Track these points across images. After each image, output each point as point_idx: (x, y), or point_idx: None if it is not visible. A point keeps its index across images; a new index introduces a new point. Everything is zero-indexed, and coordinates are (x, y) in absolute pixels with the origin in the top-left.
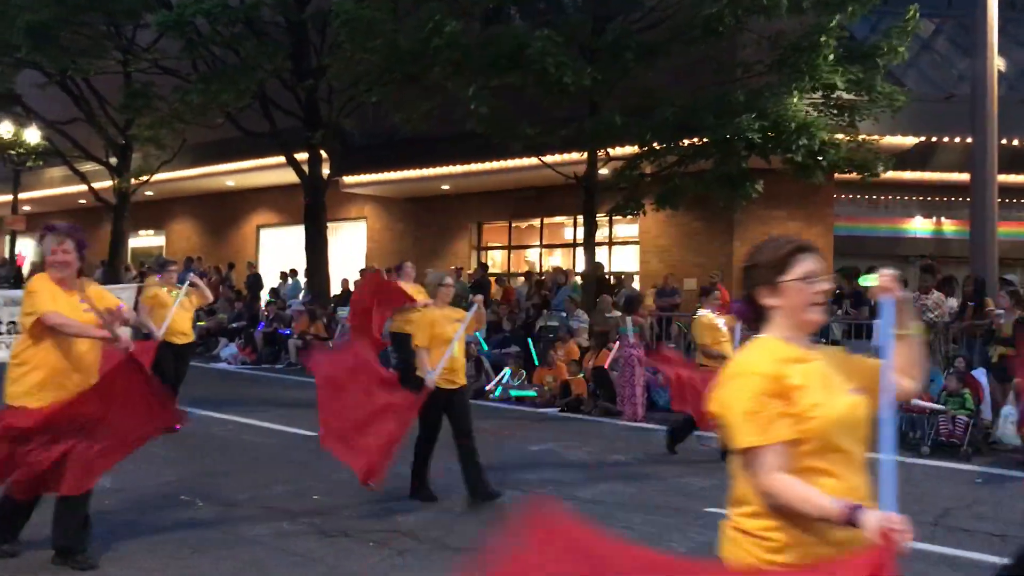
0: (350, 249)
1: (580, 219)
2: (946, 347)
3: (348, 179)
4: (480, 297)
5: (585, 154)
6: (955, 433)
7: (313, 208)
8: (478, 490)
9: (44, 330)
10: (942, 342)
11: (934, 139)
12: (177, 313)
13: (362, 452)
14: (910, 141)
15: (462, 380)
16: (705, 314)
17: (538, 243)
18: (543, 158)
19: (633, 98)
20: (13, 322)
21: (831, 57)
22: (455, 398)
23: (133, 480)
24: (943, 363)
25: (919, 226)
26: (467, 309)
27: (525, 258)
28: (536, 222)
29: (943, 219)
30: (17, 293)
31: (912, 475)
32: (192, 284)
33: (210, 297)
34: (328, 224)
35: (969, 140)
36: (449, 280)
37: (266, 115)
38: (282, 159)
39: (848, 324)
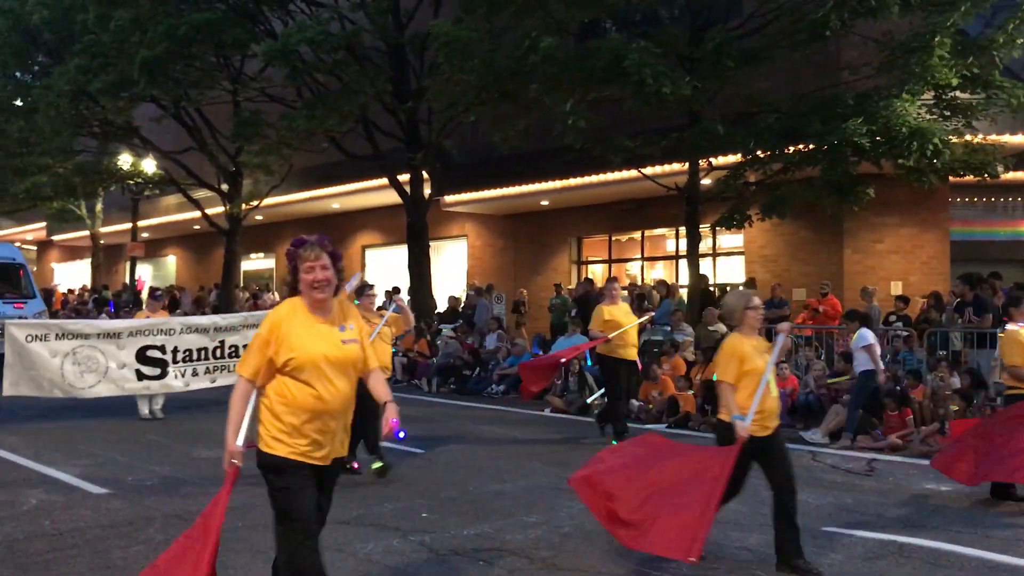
0: (452, 266)
1: (682, 231)
2: None
3: (449, 198)
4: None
5: (686, 164)
6: None
7: (415, 227)
8: (791, 559)
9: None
10: None
11: None
12: (376, 344)
13: (670, 531)
14: None
15: (775, 422)
16: (1018, 329)
17: (639, 256)
18: (643, 170)
19: (735, 106)
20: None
21: (946, 56)
22: (770, 445)
23: (247, 498)
24: None
25: None
26: (567, 324)
27: (626, 271)
28: (637, 235)
29: None
30: (258, 315)
31: None
32: (399, 309)
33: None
34: (430, 243)
35: None
36: (757, 301)
37: (368, 138)
38: (385, 181)
39: (970, 332)
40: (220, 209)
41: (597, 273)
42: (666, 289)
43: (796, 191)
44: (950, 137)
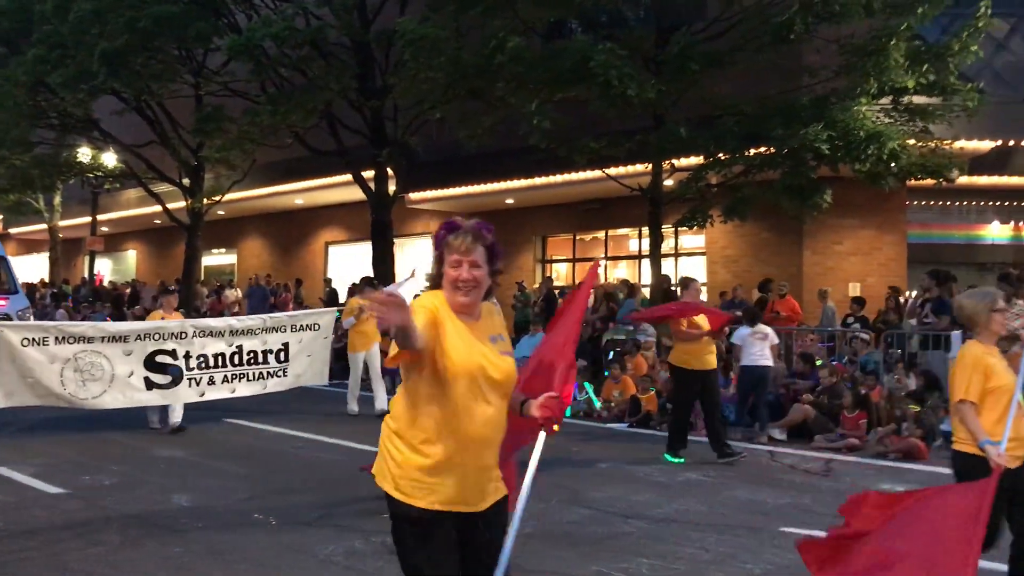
0: (417, 264)
1: (645, 231)
2: None
3: (414, 195)
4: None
5: (650, 166)
6: None
7: (380, 224)
8: None
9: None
10: None
11: (1011, 143)
12: None
13: None
14: (987, 145)
15: None
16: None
17: (603, 255)
18: (607, 171)
19: (698, 108)
20: (280, 349)
21: (901, 60)
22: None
23: (207, 498)
24: None
25: (996, 232)
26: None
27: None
28: (601, 234)
29: (1022, 225)
30: (278, 317)
31: None
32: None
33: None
34: (395, 240)
35: None
36: (1002, 302)
37: (333, 134)
38: (349, 177)
39: (926, 334)
40: (181, 204)
41: (561, 272)
42: (628, 288)
43: (756, 193)
44: (907, 140)
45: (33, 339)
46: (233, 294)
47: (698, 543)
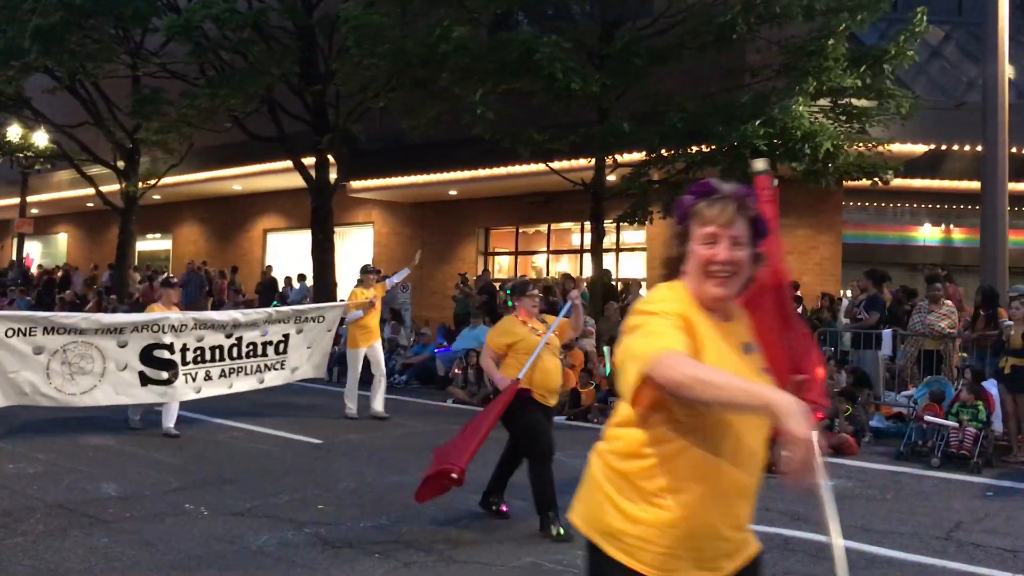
0: (357, 253)
1: (588, 225)
2: (956, 358)
3: (355, 184)
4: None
5: (593, 160)
6: (965, 445)
7: (320, 212)
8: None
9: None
10: (952, 353)
11: (944, 147)
12: (547, 362)
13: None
14: (920, 149)
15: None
16: None
17: (545, 249)
18: (551, 164)
19: (642, 104)
20: (280, 340)
21: (839, 61)
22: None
23: (138, 487)
24: (954, 374)
25: (928, 234)
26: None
27: (532, 264)
28: (543, 228)
29: (953, 227)
30: (284, 311)
31: (922, 487)
32: (572, 310)
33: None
34: (335, 228)
35: (979, 148)
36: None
37: (274, 120)
38: (289, 164)
39: (856, 332)
40: (116, 187)
41: (504, 264)
42: (572, 283)
43: None
44: (844, 142)
45: (19, 330)
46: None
47: None
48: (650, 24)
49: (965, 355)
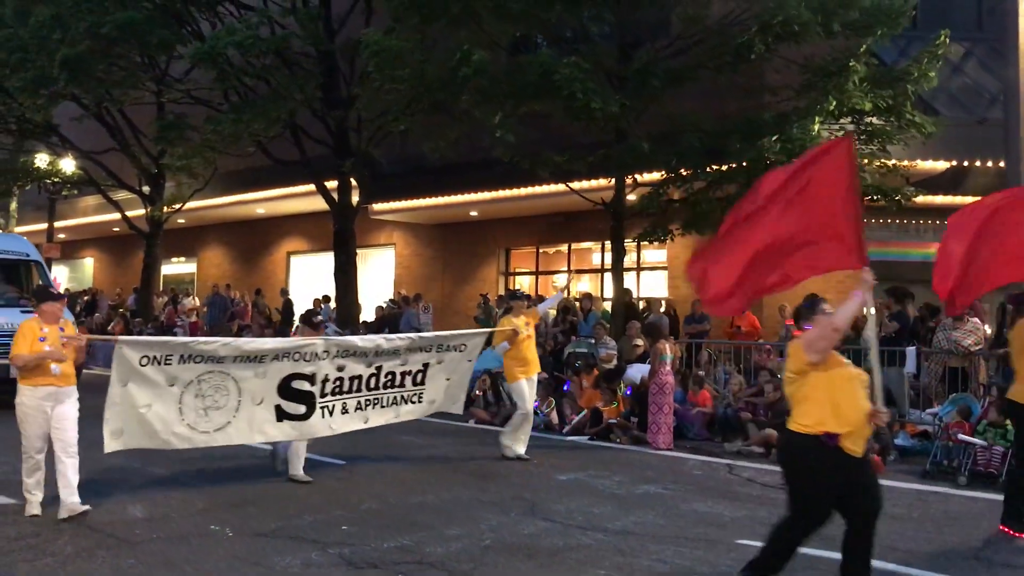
0: (379, 275)
1: (608, 244)
2: (982, 375)
3: (377, 206)
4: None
5: (612, 180)
6: (993, 463)
7: (342, 235)
8: None
9: None
10: (978, 370)
11: (966, 163)
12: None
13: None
14: (942, 166)
15: None
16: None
17: (566, 268)
18: (570, 184)
19: (660, 124)
20: (419, 370)
21: (860, 82)
22: None
23: (163, 509)
24: (980, 391)
25: None
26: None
27: (553, 283)
28: (564, 247)
29: None
30: (427, 337)
31: (949, 507)
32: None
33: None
34: (357, 250)
35: (1002, 164)
36: None
37: (296, 144)
38: (312, 187)
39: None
40: (141, 212)
41: (525, 284)
42: (590, 302)
43: (716, 208)
44: (865, 161)
45: (155, 357)
46: (191, 302)
47: (655, 555)
48: (668, 45)
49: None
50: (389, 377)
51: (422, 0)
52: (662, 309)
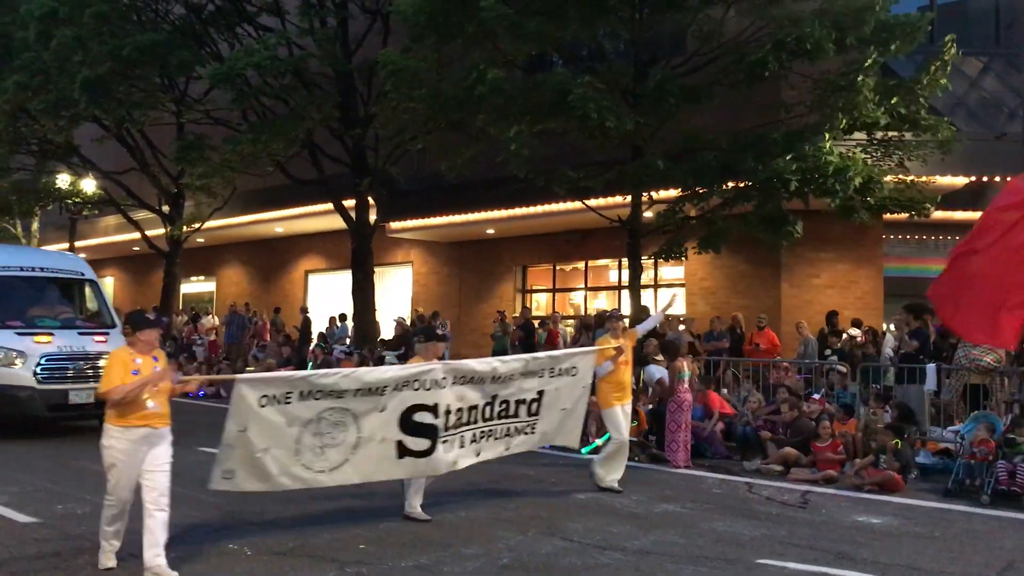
0: (397, 293)
1: (624, 262)
2: (1004, 392)
3: (394, 224)
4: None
5: (628, 197)
6: (1017, 481)
7: (360, 253)
8: None
9: None
10: (999, 387)
11: (985, 178)
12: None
13: None
14: (961, 181)
15: None
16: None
17: (583, 286)
18: (586, 201)
19: (676, 141)
20: (534, 399)
21: (871, 95)
22: None
23: (182, 527)
24: (1001, 409)
25: None
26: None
27: (570, 301)
28: (580, 265)
29: None
30: (540, 357)
31: (972, 525)
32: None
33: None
34: (375, 268)
35: None
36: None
37: (314, 163)
38: (330, 206)
39: (900, 367)
40: (160, 231)
41: (541, 302)
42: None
43: (732, 225)
44: (881, 176)
45: (274, 397)
46: (209, 321)
47: (674, 574)
48: (683, 63)
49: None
50: (503, 406)
51: (438, 20)
52: (680, 327)
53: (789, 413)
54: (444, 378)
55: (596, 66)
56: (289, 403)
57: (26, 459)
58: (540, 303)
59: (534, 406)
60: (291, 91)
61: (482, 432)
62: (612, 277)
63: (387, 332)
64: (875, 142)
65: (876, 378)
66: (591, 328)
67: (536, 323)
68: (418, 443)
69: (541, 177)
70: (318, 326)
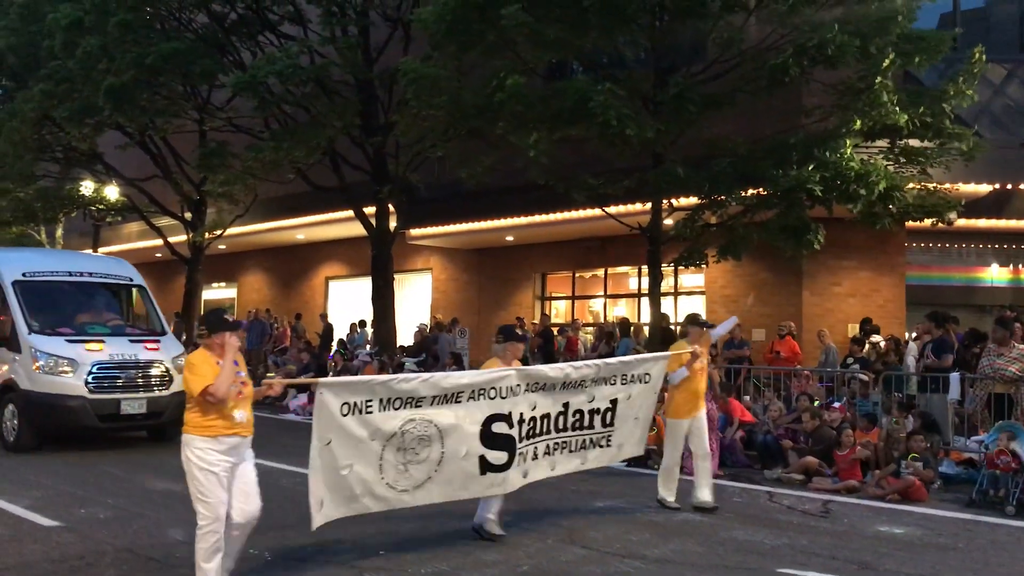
0: (416, 300)
1: (644, 269)
2: None
3: (414, 231)
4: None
5: (649, 204)
6: None
7: (380, 260)
8: None
9: None
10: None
11: (1009, 186)
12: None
13: None
14: (984, 189)
15: None
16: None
17: (602, 293)
18: (606, 209)
19: (697, 148)
20: (607, 408)
21: (893, 98)
22: None
23: None
24: None
25: (995, 275)
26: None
27: (589, 308)
28: (600, 272)
29: (1021, 268)
30: (611, 363)
31: (997, 536)
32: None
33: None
34: (395, 275)
35: None
36: None
37: (335, 170)
38: (350, 213)
39: (923, 375)
40: (183, 237)
41: (561, 309)
42: (627, 326)
43: (752, 233)
44: (903, 183)
45: (355, 405)
46: None
47: None
48: (703, 70)
49: None
50: (577, 416)
51: (459, 28)
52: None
53: (811, 422)
54: (518, 384)
55: (616, 73)
56: (371, 412)
57: (49, 463)
58: (559, 310)
59: (608, 415)
60: (313, 99)
61: (555, 444)
62: (632, 284)
63: (404, 338)
64: (897, 149)
65: (899, 387)
66: (611, 336)
67: (555, 330)
68: (499, 456)
69: (561, 184)
70: (339, 333)
